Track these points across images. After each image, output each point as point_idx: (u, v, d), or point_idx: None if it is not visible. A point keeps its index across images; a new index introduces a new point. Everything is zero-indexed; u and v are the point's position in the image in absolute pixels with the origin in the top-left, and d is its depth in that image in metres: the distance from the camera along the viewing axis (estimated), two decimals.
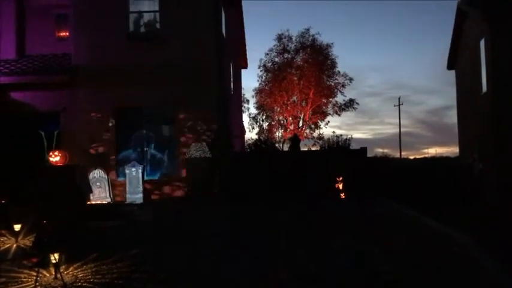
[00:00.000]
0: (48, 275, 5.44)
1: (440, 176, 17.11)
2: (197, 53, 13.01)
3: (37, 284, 5.11)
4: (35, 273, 5.47)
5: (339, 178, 15.81)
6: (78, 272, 5.60)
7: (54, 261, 5.32)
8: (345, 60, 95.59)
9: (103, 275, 5.47)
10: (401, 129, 45.19)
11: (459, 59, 20.74)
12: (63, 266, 5.65)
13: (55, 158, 7.10)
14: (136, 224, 9.32)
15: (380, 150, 68.00)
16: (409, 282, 5.28)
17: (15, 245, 6.85)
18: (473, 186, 16.48)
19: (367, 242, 7.14)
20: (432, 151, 79.06)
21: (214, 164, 12.76)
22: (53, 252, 5.30)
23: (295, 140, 18.44)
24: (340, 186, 15.81)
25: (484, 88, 16.62)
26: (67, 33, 14.50)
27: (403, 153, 44.36)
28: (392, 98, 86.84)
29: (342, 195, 15.56)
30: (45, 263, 5.59)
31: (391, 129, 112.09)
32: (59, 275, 5.27)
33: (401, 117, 45.59)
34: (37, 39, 14.62)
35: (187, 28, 13.05)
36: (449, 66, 22.00)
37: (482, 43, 16.69)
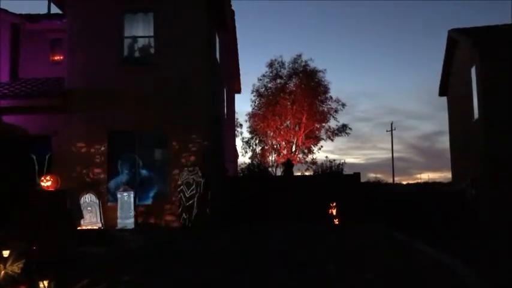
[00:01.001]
0: None
1: (433, 202, 17.11)
2: (190, 77, 13.04)
3: None
4: None
5: (332, 204, 15.77)
6: None
7: None
8: (337, 85, 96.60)
9: None
10: (394, 155, 45.40)
11: (451, 85, 21.00)
12: None
13: (47, 182, 7.01)
14: (127, 250, 9.16)
15: (373, 175, 68.34)
16: None
17: (3, 272, 6.67)
18: (465, 212, 16.47)
19: (356, 267, 7.06)
20: (425, 176, 79.26)
21: (206, 188, 12.65)
22: (42, 279, 5.16)
23: (288, 165, 18.46)
24: (334, 211, 15.75)
25: (476, 115, 16.79)
26: (61, 57, 14.53)
27: (396, 178, 44.49)
28: (384, 123, 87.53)
29: (336, 221, 15.49)
30: None
31: (383, 154, 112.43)
32: None
33: (394, 142, 45.81)
34: (31, 62, 14.63)
35: (181, 53, 13.12)
36: (441, 93, 22.26)
37: (473, 70, 16.94)
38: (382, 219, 15.11)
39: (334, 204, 15.72)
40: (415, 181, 44.20)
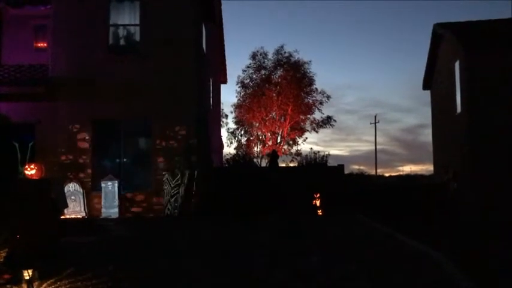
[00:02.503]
0: None
1: (415, 194, 17.38)
2: (177, 67, 12.99)
3: None
4: None
5: (316, 195, 15.90)
6: None
7: (27, 278, 5.18)
8: (322, 77, 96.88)
9: None
10: (377, 147, 45.81)
11: (434, 79, 21.21)
12: (36, 283, 5.49)
13: (31, 171, 6.93)
14: (111, 239, 9.15)
15: (356, 167, 68.74)
16: None
17: None
18: (446, 205, 16.74)
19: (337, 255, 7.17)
20: (407, 169, 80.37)
21: (191, 179, 12.66)
22: (26, 268, 5.15)
23: (273, 156, 18.52)
24: (318, 203, 15.89)
25: (459, 109, 17.02)
26: (45, 44, 14.34)
27: (379, 170, 44.96)
28: (369, 115, 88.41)
29: (319, 212, 15.64)
30: (18, 280, 5.43)
31: (367, 147, 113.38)
32: None
33: (378, 134, 46.23)
34: (14, 49, 14.43)
35: (167, 42, 13.04)
36: (425, 87, 22.47)
37: (457, 65, 17.13)
38: (364, 210, 15.32)
39: (318, 195, 15.86)
40: (397, 173, 44.87)
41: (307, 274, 6.37)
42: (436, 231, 11.60)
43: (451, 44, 17.80)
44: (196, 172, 12.81)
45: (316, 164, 18.08)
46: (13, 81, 12.99)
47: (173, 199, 12.58)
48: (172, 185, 12.52)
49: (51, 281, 5.67)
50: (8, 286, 5.41)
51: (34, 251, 5.99)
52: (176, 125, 12.91)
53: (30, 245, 6.00)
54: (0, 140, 13.02)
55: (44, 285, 5.54)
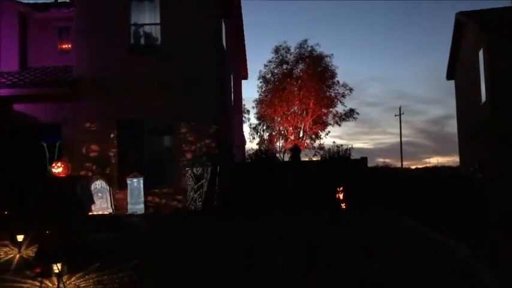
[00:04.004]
0: (51, 285, 5.49)
1: (439, 186, 17.14)
2: (197, 65, 13.12)
3: None
4: (38, 283, 5.53)
5: (339, 188, 15.87)
6: (80, 282, 5.65)
7: (56, 271, 5.39)
8: (345, 70, 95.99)
9: (105, 285, 5.53)
10: (403, 139, 45.27)
11: (458, 69, 20.88)
12: (66, 276, 5.70)
13: (58, 169, 7.17)
14: (137, 235, 9.36)
15: (381, 160, 68.00)
16: None
17: (18, 256, 6.91)
18: (472, 196, 16.48)
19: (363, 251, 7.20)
20: (434, 161, 79.10)
21: (214, 175, 12.81)
22: (55, 263, 5.36)
23: (295, 150, 18.54)
24: (341, 196, 15.86)
25: (483, 98, 16.73)
26: (69, 46, 14.64)
27: (405, 162, 44.39)
28: (393, 107, 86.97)
29: (343, 206, 15.61)
30: (48, 273, 5.65)
31: (392, 139, 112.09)
32: (61, 285, 5.33)
33: (403, 126, 45.61)
34: (39, 51, 14.75)
35: (188, 41, 13.18)
36: (449, 76, 22.14)
37: (480, 54, 16.83)
38: (389, 203, 15.23)
39: (341, 188, 15.83)
40: (423, 165, 44.18)
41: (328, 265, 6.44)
42: (457, 223, 11.47)
43: (474, 32, 17.48)
44: (218, 168, 12.95)
45: (339, 158, 18.02)
46: (39, 83, 13.34)
47: (197, 194, 12.76)
48: (195, 181, 12.70)
49: (79, 274, 5.89)
50: (38, 279, 5.65)
51: (62, 245, 6.20)
52: (198, 122, 13.06)
53: (59, 240, 6.22)
54: (29, 141, 13.48)
55: (72, 279, 5.76)
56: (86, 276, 5.82)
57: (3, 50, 14.49)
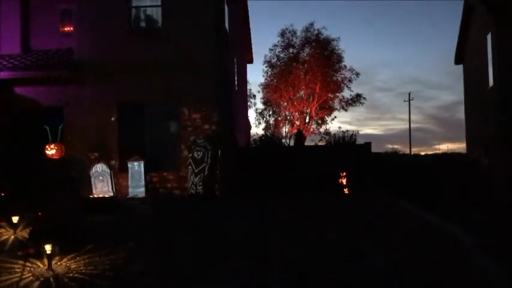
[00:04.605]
0: (42, 265, 5.49)
1: (445, 172, 16.97)
2: (197, 48, 12.99)
3: (24, 274, 5.19)
4: (29, 264, 5.54)
5: (342, 173, 15.81)
6: (71, 263, 5.65)
7: (48, 253, 5.39)
8: (355, 55, 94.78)
9: (95, 266, 5.51)
10: (413, 125, 45.17)
11: (466, 53, 20.55)
12: (57, 257, 5.70)
13: (51, 151, 7.14)
14: (133, 217, 9.37)
15: (391, 146, 67.56)
16: None
17: (12, 237, 6.93)
18: (477, 182, 16.32)
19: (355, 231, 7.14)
20: (444, 147, 78.56)
21: (215, 159, 12.76)
22: (45, 244, 5.36)
23: (298, 136, 18.47)
24: (344, 181, 15.81)
25: (491, 83, 16.46)
26: (71, 28, 14.55)
27: (415, 149, 44.23)
28: (404, 93, 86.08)
29: (345, 191, 15.56)
30: (39, 254, 5.65)
31: (402, 125, 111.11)
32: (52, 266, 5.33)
33: (413, 112, 45.62)
34: (42, 34, 14.69)
35: (188, 23, 13.03)
36: (457, 61, 21.82)
37: (489, 37, 16.52)
38: (392, 188, 15.15)
39: (344, 174, 15.77)
40: (433, 152, 43.85)
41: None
42: (456, 208, 11.39)
43: (482, 15, 17.15)
44: (219, 152, 12.89)
45: (343, 143, 17.94)
46: (40, 65, 13.29)
47: (197, 178, 12.72)
48: (196, 165, 12.65)
49: (71, 255, 5.88)
50: (30, 259, 5.67)
51: (55, 227, 6.19)
52: (199, 105, 12.97)
53: (50, 222, 6.21)
54: (31, 124, 13.48)
55: (64, 260, 5.76)
56: (78, 258, 5.82)
57: (6, 33, 14.44)
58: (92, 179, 12.50)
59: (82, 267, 5.49)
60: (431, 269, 5.46)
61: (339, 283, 4.98)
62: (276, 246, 6.63)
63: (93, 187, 12.44)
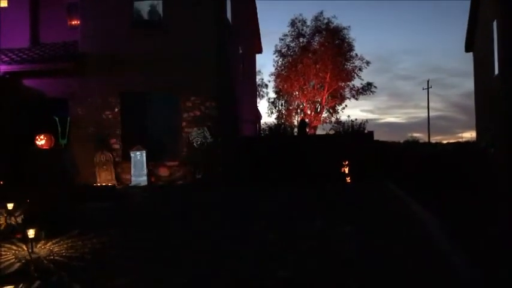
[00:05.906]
0: (26, 249, 5.84)
1: (450, 160, 16.89)
2: (197, 40, 13.24)
3: (7, 256, 5.55)
4: (14, 248, 5.91)
5: (344, 162, 15.91)
6: (54, 246, 5.99)
7: (31, 237, 5.74)
8: (376, 43, 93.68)
9: (76, 250, 5.84)
10: (437, 113, 44.88)
11: (475, 41, 20.28)
12: (43, 241, 6.06)
13: (41, 141, 7.49)
14: (129, 205, 9.72)
15: (414, 134, 66.67)
16: None
17: (5, 223, 7.32)
18: (483, 171, 16.21)
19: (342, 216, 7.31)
20: (467, 135, 77.25)
21: (216, 148, 13.04)
22: (29, 228, 5.71)
23: (301, 125, 18.59)
24: (346, 170, 15.91)
25: (496, 70, 16.27)
26: (78, 22, 14.94)
27: (438, 137, 44.04)
28: (426, 81, 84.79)
29: (348, 179, 15.66)
30: (25, 239, 6.02)
31: (425, 113, 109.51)
32: (35, 249, 5.69)
33: (436, 100, 45.17)
34: (50, 28, 15.16)
35: (188, 15, 13.28)
36: (467, 49, 21.53)
37: (494, 25, 16.30)
38: (395, 177, 15.20)
39: (347, 163, 15.86)
40: (456, 140, 43.33)
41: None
42: (457, 197, 11.40)
43: (489, 2, 16.91)
44: (221, 141, 13.16)
45: (346, 132, 18.00)
46: (46, 58, 13.73)
47: (198, 168, 13.03)
48: (196, 154, 12.96)
49: (55, 240, 6.24)
50: (17, 243, 6.04)
51: (45, 213, 6.57)
52: (199, 95, 13.25)
53: (40, 207, 6.58)
54: (42, 115, 13.95)
55: (48, 244, 6.11)
56: (61, 242, 6.16)
57: (15, 27, 14.93)
58: (96, 168, 12.92)
59: (63, 251, 5.83)
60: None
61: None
62: (258, 232, 6.86)
63: (97, 176, 12.87)
